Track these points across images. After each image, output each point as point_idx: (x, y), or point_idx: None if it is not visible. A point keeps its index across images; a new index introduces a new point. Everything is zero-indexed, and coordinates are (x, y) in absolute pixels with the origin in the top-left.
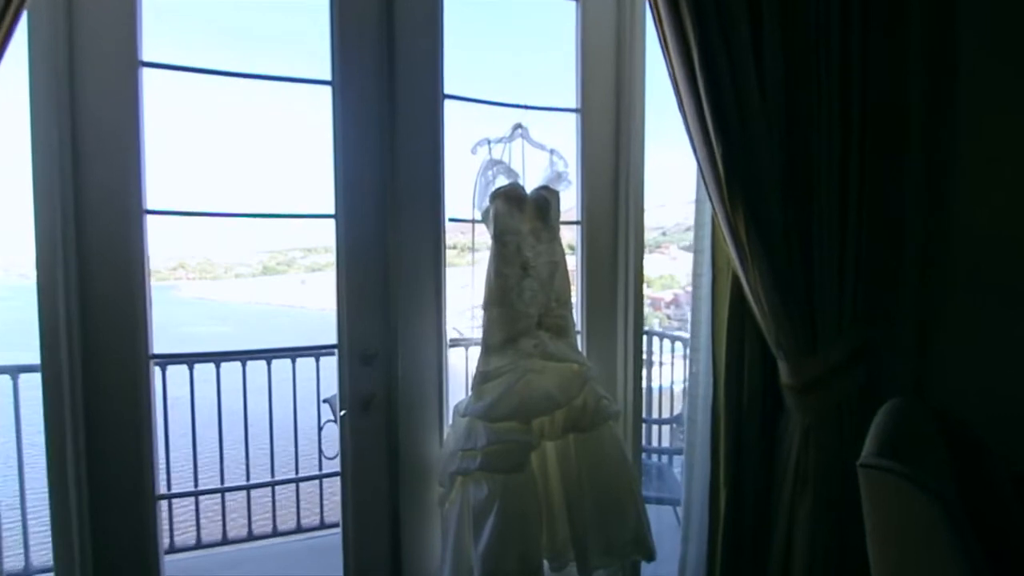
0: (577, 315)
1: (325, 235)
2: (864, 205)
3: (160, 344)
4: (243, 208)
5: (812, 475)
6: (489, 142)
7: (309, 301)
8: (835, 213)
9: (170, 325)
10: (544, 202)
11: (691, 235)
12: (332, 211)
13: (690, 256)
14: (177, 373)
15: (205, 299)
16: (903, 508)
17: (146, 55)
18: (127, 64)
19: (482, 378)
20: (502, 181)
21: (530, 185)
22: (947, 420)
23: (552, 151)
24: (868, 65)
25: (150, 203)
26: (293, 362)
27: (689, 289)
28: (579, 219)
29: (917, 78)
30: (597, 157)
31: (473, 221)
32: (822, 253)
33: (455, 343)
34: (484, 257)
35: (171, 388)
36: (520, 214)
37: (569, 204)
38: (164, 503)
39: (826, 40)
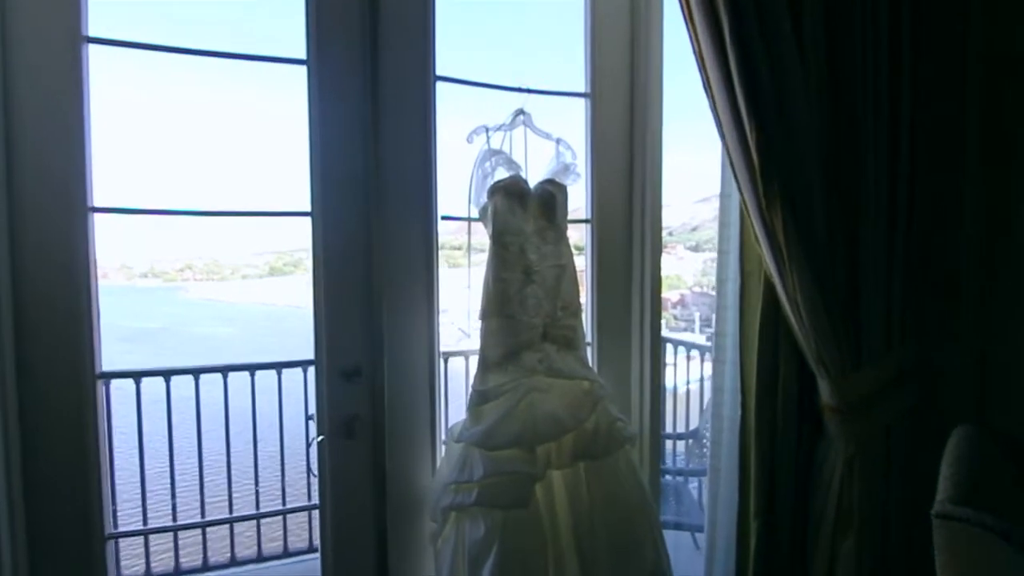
0: (587, 324)
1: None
2: (916, 202)
3: (167, 346)
4: (216, 206)
5: (856, 508)
6: (487, 130)
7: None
8: (883, 210)
9: (177, 326)
10: (549, 198)
11: (698, 235)
12: (308, 208)
13: (697, 256)
14: (156, 386)
15: (212, 300)
16: (986, 562)
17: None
18: (69, 39)
19: (479, 398)
20: (502, 174)
21: (533, 179)
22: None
23: (558, 140)
24: (919, 35)
25: (101, 199)
26: (279, 374)
27: (696, 290)
28: (588, 217)
29: (976, 55)
30: (609, 147)
31: (469, 219)
32: (868, 255)
33: (448, 355)
34: (482, 260)
35: (147, 404)
36: (522, 211)
37: (578, 201)
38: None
39: (873, 8)
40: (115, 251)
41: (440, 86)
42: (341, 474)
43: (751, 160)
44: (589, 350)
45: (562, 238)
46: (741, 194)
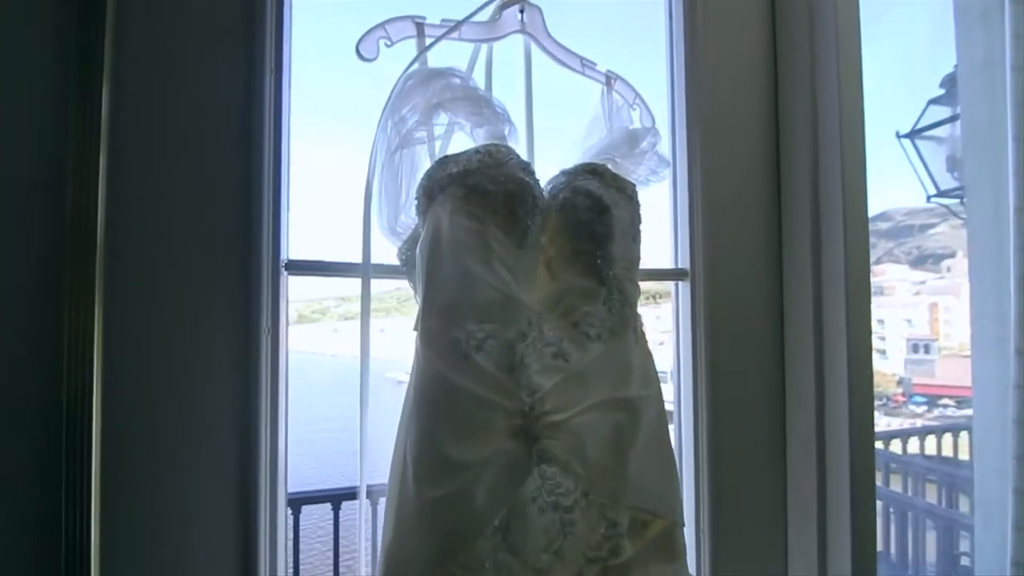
0: (690, 557)
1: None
2: None
3: None
4: None
5: None
6: (420, 26)
7: (341, 349)
8: None
9: None
10: (591, 211)
11: None
12: None
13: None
14: None
15: None
16: None
17: None
18: None
19: None
20: (461, 143)
21: (548, 164)
22: None
23: (610, 77)
24: None
25: None
26: None
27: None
28: (683, 263)
29: None
30: (726, 100)
31: (366, 268)
32: None
33: None
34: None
35: None
36: (512, 245)
37: (654, 228)
38: None
39: None
40: None
41: None
42: None
43: None
44: None
45: (626, 323)
46: None
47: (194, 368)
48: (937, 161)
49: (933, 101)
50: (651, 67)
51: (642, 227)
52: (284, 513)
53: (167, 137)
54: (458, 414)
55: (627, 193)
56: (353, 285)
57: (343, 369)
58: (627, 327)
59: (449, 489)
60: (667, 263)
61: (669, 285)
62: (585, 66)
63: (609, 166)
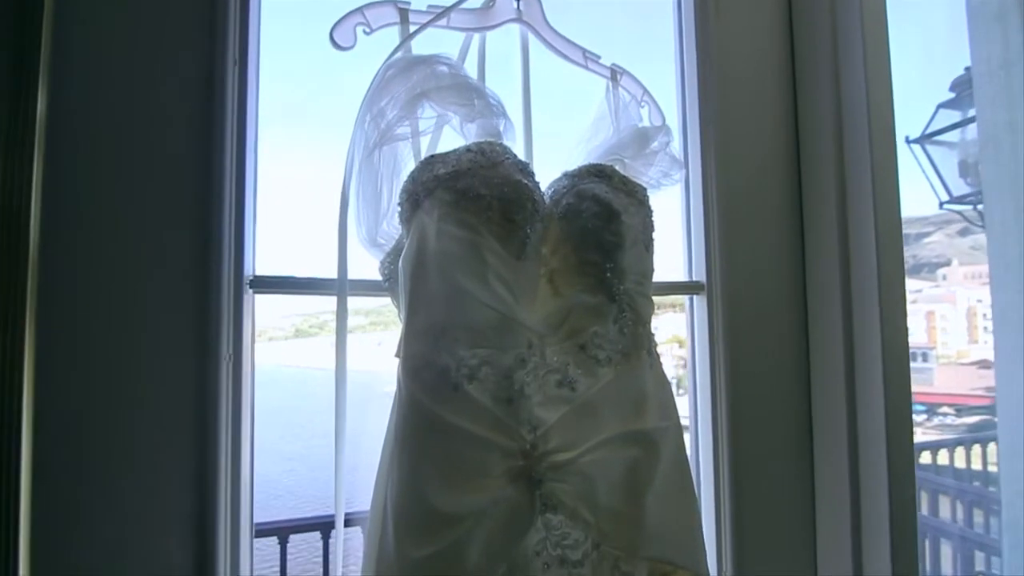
0: None
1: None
2: None
3: None
4: None
5: None
6: (403, 12)
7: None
8: None
9: None
10: (598, 219)
11: None
12: None
13: None
14: None
15: None
16: None
17: None
18: None
19: None
20: (449, 140)
21: (548, 166)
22: None
23: (615, 71)
24: None
25: None
26: None
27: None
28: (698, 276)
29: None
30: (743, 92)
31: (341, 283)
32: None
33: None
34: (376, 419)
35: None
36: (508, 256)
37: (665, 239)
38: None
39: None
40: None
41: None
42: None
43: None
44: None
45: (639, 344)
46: None
47: (143, 398)
48: (949, 166)
49: (943, 105)
50: (658, 61)
51: (655, 235)
52: (250, 550)
53: (113, 137)
54: (447, 457)
55: (638, 197)
56: (350, 299)
57: None
58: (640, 349)
59: (436, 547)
60: (679, 275)
61: (671, 295)
62: (588, 59)
63: (617, 167)
